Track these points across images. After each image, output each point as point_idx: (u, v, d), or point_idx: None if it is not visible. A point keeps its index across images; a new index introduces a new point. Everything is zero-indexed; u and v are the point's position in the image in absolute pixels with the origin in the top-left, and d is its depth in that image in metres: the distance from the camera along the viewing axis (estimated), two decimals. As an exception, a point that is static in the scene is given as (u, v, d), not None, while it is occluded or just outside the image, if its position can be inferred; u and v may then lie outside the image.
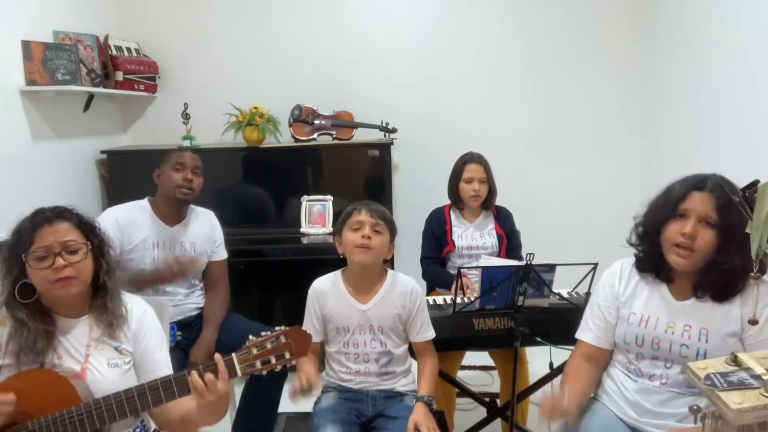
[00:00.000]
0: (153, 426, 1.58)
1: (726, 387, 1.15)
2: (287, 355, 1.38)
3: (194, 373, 1.34)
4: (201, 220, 2.40)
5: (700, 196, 1.47)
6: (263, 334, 1.39)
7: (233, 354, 1.37)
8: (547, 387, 2.20)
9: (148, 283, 2.20)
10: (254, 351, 1.37)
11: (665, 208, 1.53)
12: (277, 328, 1.41)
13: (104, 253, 1.49)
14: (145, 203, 2.32)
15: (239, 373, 1.36)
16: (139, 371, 1.51)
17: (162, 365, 1.54)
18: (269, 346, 1.38)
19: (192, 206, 2.38)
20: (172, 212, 2.31)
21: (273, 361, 1.37)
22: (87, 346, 1.44)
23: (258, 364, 1.37)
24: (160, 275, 2.22)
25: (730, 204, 1.41)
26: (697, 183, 1.49)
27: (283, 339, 1.39)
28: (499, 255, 2.61)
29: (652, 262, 1.58)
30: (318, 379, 1.69)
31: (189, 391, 1.35)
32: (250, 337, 1.39)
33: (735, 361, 1.24)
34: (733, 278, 1.46)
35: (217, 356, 1.36)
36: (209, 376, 1.33)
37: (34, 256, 1.37)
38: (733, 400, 1.11)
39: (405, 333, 1.86)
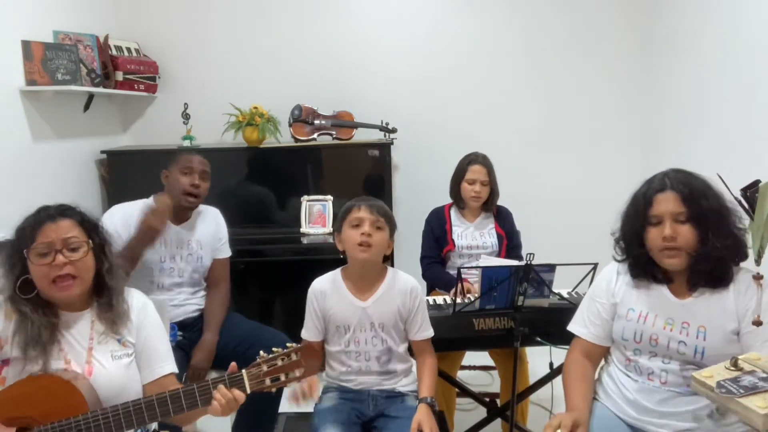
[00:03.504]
0: (154, 426, 1.58)
1: (744, 393, 1.13)
2: (297, 373, 1.39)
3: (221, 387, 1.36)
4: (207, 218, 2.41)
5: (664, 197, 1.51)
6: (274, 350, 1.39)
7: (243, 370, 1.37)
8: (547, 391, 2.20)
9: (131, 257, 2.08)
10: (264, 368, 1.37)
11: (637, 218, 1.56)
12: (288, 344, 1.41)
13: (106, 252, 1.50)
14: (151, 202, 2.30)
15: (249, 390, 1.37)
16: (142, 363, 1.52)
17: (164, 356, 1.56)
18: (280, 363, 1.38)
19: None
20: (178, 212, 2.31)
21: (283, 378, 1.38)
22: (90, 339, 1.45)
23: (268, 381, 1.37)
24: (136, 245, 2.10)
25: (694, 193, 1.47)
26: (658, 185, 1.54)
27: (294, 357, 1.39)
28: (499, 255, 2.61)
29: (644, 269, 1.59)
30: (318, 386, 1.67)
31: (198, 405, 1.36)
32: (261, 353, 1.39)
33: (735, 365, 1.23)
34: (720, 262, 1.48)
35: (237, 393, 1.37)
36: (236, 392, 1.36)
37: (35, 252, 1.38)
38: (758, 405, 1.10)
39: (405, 331, 1.86)
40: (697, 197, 1.47)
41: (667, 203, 1.50)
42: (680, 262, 1.50)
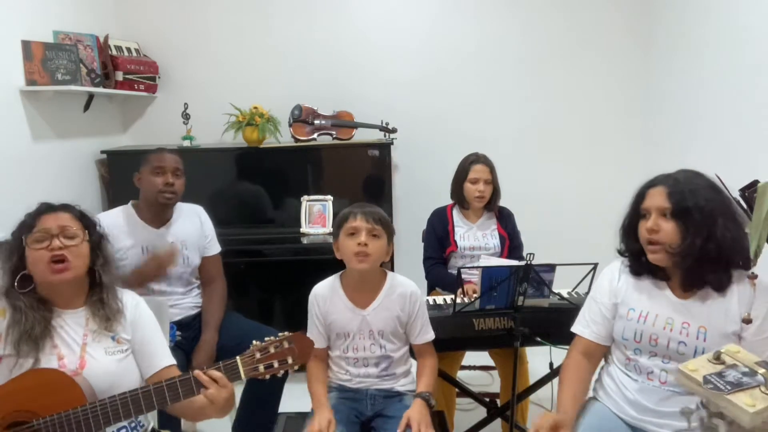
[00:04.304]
0: (152, 424, 1.59)
1: (731, 389, 1.14)
2: (290, 360, 1.40)
3: (203, 390, 1.36)
4: (188, 217, 2.37)
5: (654, 192, 1.53)
6: (267, 339, 1.41)
7: (237, 357, 1.39)
8: (547, 391, 2.20)
9: (132, 284, 2.09)
10: (258, 355, 1.39)
11: (632, 211, 1.59)
12: (280, 333, 1.43)
13: (102, 247, 1.54)
14: (128, 208, 2.29)
15: (243, 376, 1.38)
16: (141, 359, 1.53)
17: (162, 350, 1.58)
18: (272, 350, 1.40)
19: (178, 204, 2.34)
20: (157, 214, 2.28)
21: (276, 365, 1.40)
22: (84, 336, 1.46)
23: (261, 368, 1.39)
24: (142, 275, 2.16)
25: (683, 191, 1.47)
26: (654, 180, 1.56)
27: (286, 344, 1.41)
28: (501, 256, 2.60)
29: (641, 264, 1.60)
30: (334, 423, 1.68)
31: (193, 392, 1.37)
32: (254, 342, 1.41)
33: (718, 358, 1.23)
34: (711, 265, 1.47)
35: (217, 375, 1.37)
36: (215, 374, 1.37)
37: (33, 238, 1.42)
38: (745, 402, 1.10)
39: (405, 335, 1.85)
40: (686, 195, 1.47)
41: (654, 198, 1.52)
42: (660, 258, 1.51)
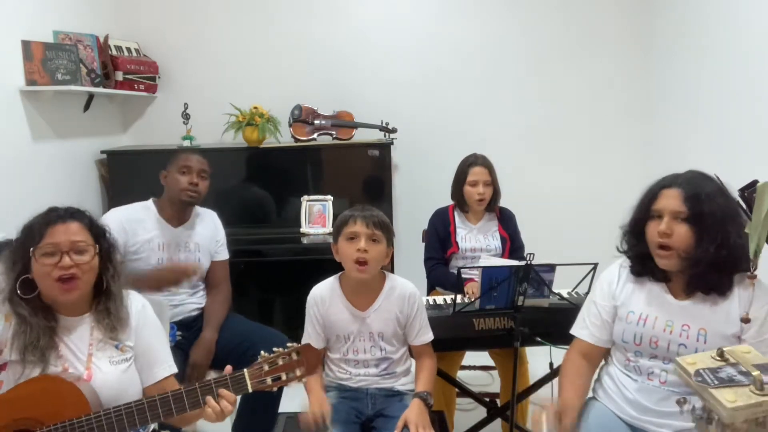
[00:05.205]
0: (153, 425, 1.58)
1: (717, 384, 1.15)
2: (298, 372, 1.39)
3: (210, 399, 1.36)
4: (205, 220, 2.42)
5: (668, 193, 1.51)
6: (275, 350, 1.40)
7: (245, 369, 1.38)
8: (547, 391, 2.20)
9: (148, 286, 2.13)
10: (266, 367, 1.38)
11: (641, 210, 1.57)
12: (289, 344, 1.42)
13: (112, 257, 1.50)
14: (150, 204, 2.33)
15: (250, 389, 1.37)
16: (142, 366, 1.52)
17: (163, 359, 1.56)
18: (281, 362, 1.39)
19: (196, 207, 2.40)
20: (177, 213, 2.32)
21: (284, 377, 1.38)
22: (89, 345, 1.45)
23: (269, 381, 1.38)
24: (159, 281, 2.18)
25: (698, 195, 1.45)
26: (667, 181, 1.54)
27: (294, 356, 1.39)
28: (502, 257, 2.60)
29: (644, 265, 1.59)
30: (329, 407, 1.68)
31: (200, 404, 1.36)
32: (262, 352, 1.40)
33: (721, 356, 1.24)
34: (719, 270, 1.46)
35: (228, 394, 1.36)
36: (225, 398, 1.35)
37: (42, 251, 1.38)
38: (727, 398, 1.11)
39: (404, 336, 1.85)
40: (701, 199, 1.45)
41: (668, 199, 1.50)
42: (670, 263, 1.50)
